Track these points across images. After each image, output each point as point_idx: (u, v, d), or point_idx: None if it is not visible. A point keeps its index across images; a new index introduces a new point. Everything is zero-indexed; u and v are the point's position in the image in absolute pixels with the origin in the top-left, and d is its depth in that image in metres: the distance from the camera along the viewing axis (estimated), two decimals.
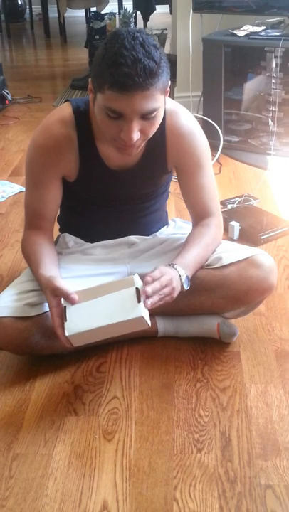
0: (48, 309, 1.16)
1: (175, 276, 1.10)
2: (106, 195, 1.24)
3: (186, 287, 1.12)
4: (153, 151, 1.19)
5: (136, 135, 1.03)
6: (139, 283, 1.05)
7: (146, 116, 1.02)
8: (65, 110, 1.17)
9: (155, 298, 1.04)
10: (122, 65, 0.95)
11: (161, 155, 1.20)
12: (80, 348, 1.22)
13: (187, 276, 1.13)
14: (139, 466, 1.00)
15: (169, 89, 1.07)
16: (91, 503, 0.94)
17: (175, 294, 1.09)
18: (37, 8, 5.44)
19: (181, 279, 1.11)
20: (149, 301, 1.03)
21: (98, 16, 3.74)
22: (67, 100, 1.20)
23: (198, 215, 1.25)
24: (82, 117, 1.16)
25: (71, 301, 1.06)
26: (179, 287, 1.11)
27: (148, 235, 1.33)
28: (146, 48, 0.96)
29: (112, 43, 0.98)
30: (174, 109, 1.20)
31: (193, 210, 1.25)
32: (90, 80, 1.06)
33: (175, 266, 1.12)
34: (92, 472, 0.99)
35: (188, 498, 0.94)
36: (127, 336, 1.25)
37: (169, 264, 1.13)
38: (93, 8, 4.27)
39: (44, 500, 0.94)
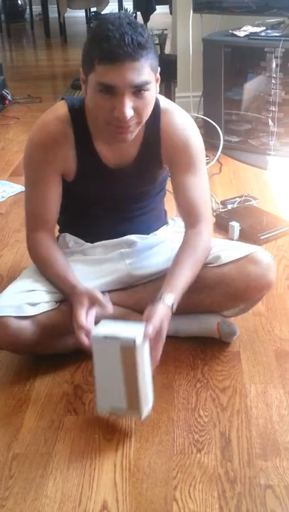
0: (48, 308, 1.17)
1: (167, 316, 1.08)
2: (104, 194, 1.24)
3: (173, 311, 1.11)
4: (148, 148, 1.20)
5: (129, 111, 1.04)
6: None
7: (138, 90, 1.03)
8: (61, 108, 1.18)
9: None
10: (110, 38, 0.99)
11: (155, 151, 1.21)
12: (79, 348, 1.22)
13: (174, 304, 1.10)
14: (139, 466, 1.00)
15: (159, 76, 1.09)
16: (91, 503, 0.94)
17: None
18: (37, 9, 5.45)
19: (172, 311, 1.09)
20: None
21: (98, 17, 3.75)
22: (62, 99, 1.21)
23: (189, 218, 1.22)
24: (77, 115, 1.17)
25: (106, 312, 1.10)
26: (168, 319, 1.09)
27: (147, 233, 1.33)
28: (132, 25, 1.01)
29: (98, 26, 1.03)
30: (169, 108, 1.21)
31: (184, 210, 1.23)
32: (81, 70, 1.08)
33: (166, 301, 1.08)
34: (92, 472, 0.99)
35: (188, 498, 0.94)
36: None
37: (160, 298, 1.09)
38: (93, 9, 4.29)
39: (44, 500, 0.95)
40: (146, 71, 1.03)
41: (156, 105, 1.16)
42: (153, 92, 1.08)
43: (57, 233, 1.35)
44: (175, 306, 1.10)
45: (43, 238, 1.23)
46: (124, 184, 1.21)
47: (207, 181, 1.25)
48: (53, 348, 1.21)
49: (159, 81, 1.11)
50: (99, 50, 1.01)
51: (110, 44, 0.99)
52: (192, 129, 1.22)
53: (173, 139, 1.19)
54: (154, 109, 1.14)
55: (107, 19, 1.03)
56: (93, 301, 1.10)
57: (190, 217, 1.22)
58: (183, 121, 1.21)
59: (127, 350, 0.99)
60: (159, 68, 1.09)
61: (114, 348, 1.00)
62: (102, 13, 3.90)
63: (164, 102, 1.21)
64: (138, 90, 1.04)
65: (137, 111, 1.06)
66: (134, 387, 1.01)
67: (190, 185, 1.21)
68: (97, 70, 1.02)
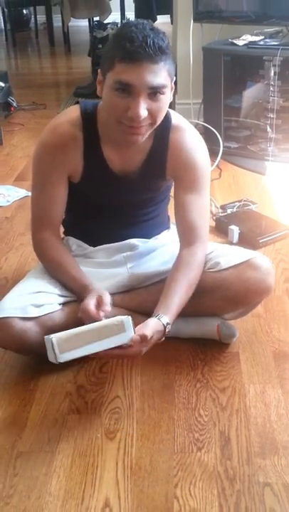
0: (52, 310, 1.19)
1: (161, 331, 1.10)
2: (108, 198, 1.26)
3: (163, 339, 1.13)
4: (154, 159, 1.21)
5: (143, 111, 1.06)
6: (129, 329, 1.05)
7: (154, 92, 1.06)
8: (74, 112, 1.21)
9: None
10: (133, 38, 1.02)
11: (161, 164, 1.22)
12: None
13: (169, 325, 1.12)
14: (141, 464, 1.02)
15: (174, 85, 1.11)
16: (93, 501, 0.95)
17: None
18: (42, 18, 5.50)
19: (165, 330, 1.11)
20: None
21: (101, 26, 3.79)
22: (77, 102, 1.23)
23: (186, 237, 1.21)
24: (89, 118, 1.19)
25: (105, 312, 1.11)
26: (158, 340, 1.11)
27: (149, 238, 1.35)
28: (155, 31, 1.05)
29: (121, 29, 1.07)
30: (182, 125, 1.22)
31: (182, 229, 1.23)
32: (99, 70, 1.10)
33: (161, 319, 1.10)
34: (95, 470, 1.01)
35: (189, 496, 0.95)
36: None
37: (156, 316, 1.11)
38: (96, 18, 4.32)
39: (47, 497, 0.96)
40: (164, 75, 1.06)
41: (168, 119, 1.18)
42: (168, 97, 1.09)
43: (61, 235, 1.37)
44: (169, 328, 1.11)
45: (50, 238, 1.25)
46: (128, 190, 1.23)
47: (208, 202, 1.26)
48: None
49: (173, 90, 1.12)
50: (121, 49, 1.03)
51: (133, 44, 1.02)
52: (201, 150, 1.22)
53: (180, 157, 1.19)
54: (164, 123, 1.15)
55: (131, 22, 1.07)
56: (101, 301, 1.13)
57: (187, 236, 1.22)
58: (193, 140, 1.21)
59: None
60: (175, 77, 1.11)
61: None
62: (105, 22, 3.94)
63: (177, 119, 1.22)
64: (154, 92, 1.06)
65: (151, 113, 1.08)
66: None
67: (191, 204, 1.21)
68: (116, 67, 1.04)
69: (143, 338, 1.05)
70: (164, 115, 1.12)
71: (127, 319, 1.05)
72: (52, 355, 1.03)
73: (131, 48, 1.02)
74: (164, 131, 1.19)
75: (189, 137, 1.21)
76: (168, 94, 1.09)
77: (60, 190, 1.23)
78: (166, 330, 1.11)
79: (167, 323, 1.11)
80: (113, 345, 1.04)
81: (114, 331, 1.04)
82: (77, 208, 1.29)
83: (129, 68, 1.03)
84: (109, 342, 1.04)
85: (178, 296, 1.15)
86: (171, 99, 1.14)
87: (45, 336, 1.06)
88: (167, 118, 1.18)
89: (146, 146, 1.20)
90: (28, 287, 1.24)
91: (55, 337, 1.02)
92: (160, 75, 1.05)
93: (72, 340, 1.03)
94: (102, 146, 1.20)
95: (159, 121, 1.11)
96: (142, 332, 1.05)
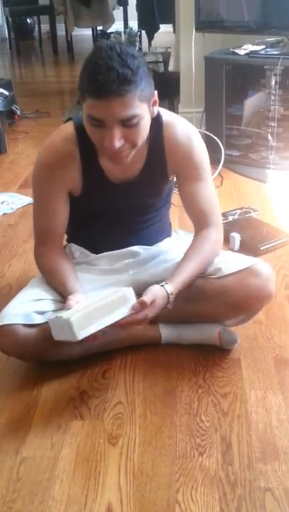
0: None
1: (164, 297, 1.13)
2: (109, 208, 1.27)
3: (170, 307, 1.15)
4: (153, 162, 1.23)
5: (118, 142, 1.06)
6: (132, 298, 1.11)
7: (127, 123, 1.05)
8: (68, 128, 1.21)
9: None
10: (97, 73, 1.01)
11: (161, 165, 1.24)
12: (86, 354, 1.26)
13: (173, 296, 1.15)
14: (143, 469, 1.02)
15: (156, 98, 1.11)
16: (96, 506, 0.96)
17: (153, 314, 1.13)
18: (45, 27, 5.56)
19: (169, 298, 1.14)
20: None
21: (104, 35, 3.85)
22: (70, 118, 1.23)
23: (198, 223, 1.26)
24: (83, 133, 1.16)
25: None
26: (163, 306, 1.14)
27: (151, 245, 1.36)
28: (122, 57, 1.01)
29: (91, 55, 1.05)
30: (171, 120, 1.23)
31: (194, 218, 1.28)
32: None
33: (164, 286, 1.14)
34: (97, 475, 1.02)
35: (190, 501, 0.96)
36: (132, 343, 1.29)
37: (162, 285, 1.15)
38: (100, 27, 4.37)
39: (50, 502, 0.97)
40: (135, 104, 1.04)
41: (159, 119, 1.19)
42: (145, 121, 1.08)
43: (65, 242, 1.38)
44: (173, 297, 1.14)
45: (50, 252, 1.26)
46: (129, 198, 1.24)
47: (213, 186, 1.28)
48: (59, 356, 1.24)
49: (158, 103, 1.12)
50: (88, 84, 1.03)
51: (97, 80, 1.00)
52: (195, 139, 1.23)
53: (177, 151, 1.21)
54: (156, 123, 1.17)
55: (100, 49, 1.03)
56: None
57: (199, 223, 1.26)
58: (185, 131, 1.22)
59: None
60: (155, 92, 1.10)
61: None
62: (108, 31, 3.99)
63: (166, 115, 1.23)
64: (127, 122, 1.05)
65: (128, 139, 1.08)
66: None
67: (198, 193, 1.24)
68: (87, 101, 1.05)
69: (142, 304, 1.09)
70: (145, 136, 1.11)
71: (128, 290, 1.11)
72: (70, 335, 1.05)
73: (96, 84, 1.01)
74: (157, 132, 1.20)
75: (182, 130, 1.22)
76: (146, 117, 1.08)
77: (61, 206, 1.25)
78: (170, 298, 1.13)
79: (171, 292, 1.13)
80: (122, 316, 1.09)
81: (121, 302, 1.10)
82: (79, 217, 1.31)
83: (96, 104, 1.03)
84: (118, 314, 1.09)
85: (186, 270, 1.19)
86: (155, 113, 1.13)
87: (50, 319, 1.10)
88: (158, 118, 1.19)
89: (143, 153, 1.21)
90: (31, 294, 1.25)
91: (73, 317, 1.05)
92: (130, 105, 1.03)
93: (86, 317, 1.07)
94: (100, 158, 1.20)
95: (140, 143, 1.11)
96: (141, 298, 1.10)
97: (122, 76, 1.01)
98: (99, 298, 1.11)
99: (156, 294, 1.13)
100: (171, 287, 1.15)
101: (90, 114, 1.05)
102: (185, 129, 1.23)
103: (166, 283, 1.15)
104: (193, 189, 1.24)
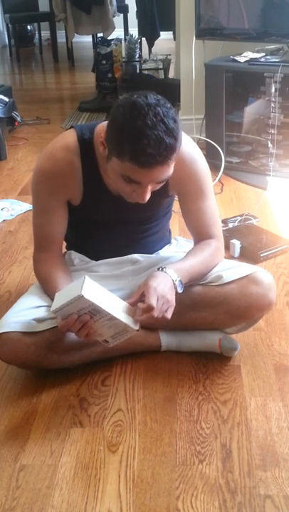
0: (54, 325, 1.18)
1: (167, 282, 1.13)
2: (109, 218, 1.28)
3: (180, 290, 1.15)
4: None
5: (148, 195, 1.08)
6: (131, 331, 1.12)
7: (160, 182, 1.08)
8: (70, 137, 1.19)
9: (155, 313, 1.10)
10: (145, 145, 0.99)
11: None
12: (86, 361, 1.26)
13: (180, 281, 1.15)
14: (143, 476, 1.02)
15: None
16: None
17: (172, 303, 1.12)
18: (46, 34, 5.60)
19: (174, 283, 1.14)
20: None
21: (105, 42, 3.86)
22: (71, 126, 1.22)
23: (200, 238, 1.28)
24: (86, 145, 1.17)
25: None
26: (174, 292, 1.13)
27: (151, 253, 1.37)
28: (166, 124, 1.00)
29: (133, 118, 1.00)
30: None
31: (195, 233, 1.29)
32: (103, 137, 1.08)
33: (166, 270, 1.14)
34: (97, 483, 1.01)
35: (190, 508, 0.96)
36: (132, 350, 1.29)
37: (161, 269, 1.15)
38: (100, 34, 4.40)
39: (50, 510, 0.97)
40: (172, 165, 1.05)
41: None
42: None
43: (64, 249, 1.39)
44: (175, 273, 1.14)
45: (48, 258, 1.26)
46: (130, 210, 1.23)
47: (214, 200, 1.28)
48: (59, 363, 1.24)
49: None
50: (132, 152, 1.00)
51: (145, 152, 0.99)
52: (198, 157, 1.23)
53: (181, 170, 1.18)
54: None
55: (142, 110, 0.99)
56: None
57: (201, 236, 1.27)
58: (189, 150, 1.21)
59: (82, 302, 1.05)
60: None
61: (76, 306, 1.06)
62: (109, 38, 4.01)
63: None
64: (162, 181, 1.08)
65: (155, 188, 1.10)
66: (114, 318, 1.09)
67: (200, 210, 1.25)
68: (125, 164, 1.02)
69: (147, 309, 1.09)
70: None
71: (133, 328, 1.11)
72: (74, 292, 1.05)
73: (143, 157, 0.99)
74: None
75: (185, 149, 1.21)
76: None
77: (60, 215, 1.25)
78: (175, 283, 1.14)
79: (177, 278, 1.14)
80: (124, 321, 1.09)
81: (131, 313, 1.11)
82: (78, 225, 1.31)
83: (139, 171, 1.02)
84: (124, 317, 1.09)
85: (186, 262, 1.19)
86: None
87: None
88: None
89: None
90: (30, 301, 1.25)
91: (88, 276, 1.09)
92: (169, 169, 1.04)
93: (98, 290, 1.08)
94: (101, 171, 1.19)
95: None
96: (145, 304, 1.09)
97: (169, 147, 1.01)
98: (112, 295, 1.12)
99: (154, 281, 1.11)
100: (167, 269, 1.15)
101: (128, 176, 1.05)
102: (188, 148, 1.22)
103: (164, 267, 1.16)
104: (195, 207, 1.25)
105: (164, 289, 1.11)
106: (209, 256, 1.24)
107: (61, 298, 1.08)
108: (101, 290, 1.10)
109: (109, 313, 1.07)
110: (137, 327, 1.10)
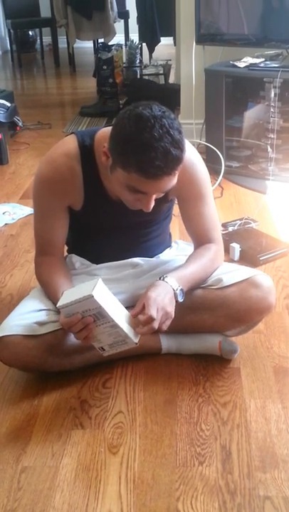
0: (56, 328, 1.20)
1: (168, 293, 1.13)
2: (110, 223, 1.28)
3: (180, 299, 1.16)
4: None
5: (153, 204, 1.09)
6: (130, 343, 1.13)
7: (165, 191, 1.09)
8: (71, 144, 1.20)
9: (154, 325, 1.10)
10: (153, 157, 0.99)
11: None
12: (87, 364, 1.27)
13: (181, 290, 1.16)
14: (143, 478, 1.03)
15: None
16: None
17: (171, 313, 1.13)
18: (47, 39, 5.63)
19: (175, 292, 1.15)
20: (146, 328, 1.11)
21: (106, 47, 3.89)
22: (72, 133, 1.23)
23: (200, 242, 1.29)
24: (87, 152, 1.18)
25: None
26: (174, 303, 1.14)
27: (152, 257, 1.38)
28: (173, 136, 1.01)
29: (139, 130, 1.00)
30: None
31: (195, 237, 1.30)
32: (107, 147, 1.08)
33: (166, 279, 1.15)
34: (98, 484, 1.02)
35: (190, 509, 0.97)
36: (132, 352, 1.30)
37: (162, 278, 1.16)
38: (101, 40, 4.42)
39: (51, 511, 0.97)
40: (178, 173, 1.06)
41: None
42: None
43: (65, 253, 1.40)
44: (176, 283, 1.15)
45: (49, 262, 1.27)
46: (130, 215, 1.23)
47: (214, 204, 1.29)
48: (60, 366, 1.24)
49: None
50: (139, 163, 1.00)
51: (153, 164, 0.99)
52: (197, 161, 1.23)
53: (181, 175, 1.17)
54: None
55: (149, 122, 0.99)
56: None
57: (201, 240, 1.28)
58: (189, 153, 1.19)
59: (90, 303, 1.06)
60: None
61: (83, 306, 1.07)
62: (109, 44, 4.04)
63: None
64: (167, 191, 1.09)
65: (159, 197, 1.11)
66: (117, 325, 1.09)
67: (199, 214, 1.26)
68: (132, 175, 1.03)
69: (148, 320, 1.09)
70: None
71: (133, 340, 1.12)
72: (85, 291, 1.06)
73: (150, 169, 1.00)
74: None
75: (186, 154, 1.20)
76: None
77: (60, 219, 1.25)
78: (174, 286, 1.14)
79: (165, 277, 1.15)
80: (126, 331, 1.10)
81: (133, 325, 1.12)
82: (79, 230, 1.32)
83: (146, 182, 1.03)
84: (126, 327, 1.10)
85: (186, 269, 1.20)
86: None
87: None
88: None
89: None
90: (32, 305, 1.26)
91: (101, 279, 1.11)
92: (174, 178, 1.06)
93: (107, 295, 1.10)
94: (102, 177, 1.20)
95: None
96: (145, 315, 1.10)
97: (176, 159, 1.02)
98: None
99: (152, 291, 1.12)
100: (168, 278, 1.16)
101: (134, 187, 1.06)
102: (188, 153, 1.20)
103: (164, 276, 1.16)
104: (195, 211, 1.26)
105: (164, 301, 1.12)
106: (209, 261, 1.25)
107: (70, 295, 1.09)
108: (110, 296, 1.11)
109: (114, 320, 1.08)
110: (136, 340, 1.11)
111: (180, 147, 1.03)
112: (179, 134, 1.03)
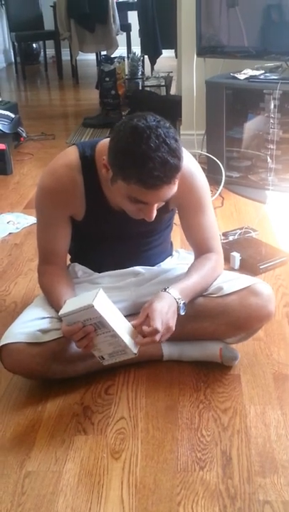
0: (59, 335, 1.21)
1: (172, 306, 1.15)
2: (112, 233, 1.30)
3: (182, 313, 1.17)
4: None
5: (155, 213, 1.11)
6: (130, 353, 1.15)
7: (166, 200, 1.11)
8: (72, 155, 1.21)
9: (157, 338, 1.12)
10: (151, 168, 1.01)
11: None
12: (90, 371, 1.28)
13: (184, 303, 1.18)
14: (145, 483, 1.04)
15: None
16: None
17: (173, 325, 1.15)
18: (51, 52, 5.69)
19: (177, 303, 1.16)
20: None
21: (108, 60, 3.95)
22: (73, 144, 1.25)
23: (200, 251, 1.30)
24: (88, 163, 1.19)
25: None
26: (176, 317, 1.15)
27: (153, 265, 1.40)
28: (169, 145, 1.02)
29: (136, 142, 1.01)
30: None
31: (195, 246, 1.31)
32: (106, 160, 1.09)
33: (170, 291, 1.17)
34: (100, 489, 1.03)
35: None
36: (134, 360, 1.31)
37: (165, 290, 1.17)
38: (104, 52, 4.49)
39: None
40: (177, 181, 1.07)
41: None
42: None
43: (68, 262, 1.41)
44: (178, 295, 1.16)
45: (52, 271, 1.29)
46: (131, 225, 1.25)
47: (213, 214, 1.31)
48: (63, 373, 1.26)
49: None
50: (138, 174, 1.02)
51: (151, 174, 1.01)
52: (197, 171, 1.24)
53: (180, 185, 1.15)
54: None
55: (145, 133, 1.00)
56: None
57: (201, 249, 1.30)
58: (188, 163, 1.20)
59: (91, 312, 1.08)
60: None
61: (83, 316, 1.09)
62: (112, 56, 4.10)
63: None
64: (167, 200, 1.10)
65: (160, 205, 1.13)
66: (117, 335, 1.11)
67: (200, 224, 1.27)
68: (132, 186, 1.04)
69: (152, 332, 1.10)
70: None
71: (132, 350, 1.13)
72: (86, 301, 1.08)
73: (149, 180, 1.01)
74: None
75: (185, 162, 1.21)
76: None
77: (63, 229, 1.27)
78: (176, 298, 1.16)
79: (182, 300, 1.16)
80: (126, 341, 1.11)
81: (133, 335, 1.14)
82: (81, 239, 1.34)
83: (146, 192, 1.04)
84: (127, 338, 1.12)
85: (188, 280, 1.21)
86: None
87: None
88: None
89: None
90: (35, 313, 1.27)
91: (102, 289, 1.12)
92: (174, 187, 1.07)
93: (108, 304, 1.11)
94: (103, 188, 1.21)
95: None
96: (149, 328, 1.11)
97: (174, 167, 1.03)
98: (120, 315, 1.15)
99: (156, 303, 1.13)
100: (172, 289, 1.17)
101: (135, 198, 1.07)
102: (187, 163, 1.20)
103: (167, 288, 1.18)
104: (195, 221, 1.27)
105: (168, 315, 1.13)
106: (210, 271, 1.27)
107: (72, 304, 1.11)
108: (111, 306, 1.13)
109: (114, 329, 1.09)
110: (135, 350, 1.13)
111: (177, 155, 1.04)
112: (175, 142, 1.04)
